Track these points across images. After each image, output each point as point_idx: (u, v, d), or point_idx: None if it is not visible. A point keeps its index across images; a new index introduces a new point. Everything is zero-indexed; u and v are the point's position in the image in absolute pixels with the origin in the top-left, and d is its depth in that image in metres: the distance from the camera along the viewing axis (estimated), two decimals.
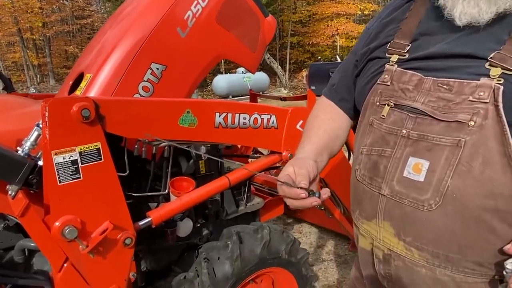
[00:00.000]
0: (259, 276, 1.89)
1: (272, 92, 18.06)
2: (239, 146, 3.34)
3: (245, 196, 2.43)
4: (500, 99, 0.72)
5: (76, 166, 1.29)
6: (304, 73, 20.84)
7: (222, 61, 15.68)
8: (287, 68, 23.93)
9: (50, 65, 26.56)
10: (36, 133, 1.41)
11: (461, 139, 0.76)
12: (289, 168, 0.89)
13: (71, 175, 1.28)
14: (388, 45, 0.94)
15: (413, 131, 0.83)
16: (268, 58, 19.96)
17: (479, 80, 0.76)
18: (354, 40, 22.70)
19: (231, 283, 1.70)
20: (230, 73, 19.38)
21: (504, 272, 0.72)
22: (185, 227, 2.01)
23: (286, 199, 0.88)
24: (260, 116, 1.86)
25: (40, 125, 1.37)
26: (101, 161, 1.34)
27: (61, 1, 27.63)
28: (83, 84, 1.80)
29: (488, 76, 0.75)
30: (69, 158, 1.28)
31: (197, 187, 1.79)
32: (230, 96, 16.37)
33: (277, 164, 2.16)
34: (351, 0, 23.18)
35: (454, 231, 0.79)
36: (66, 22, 28.83)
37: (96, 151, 1.33)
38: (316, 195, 0.84)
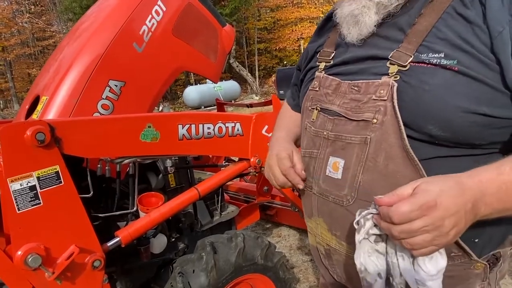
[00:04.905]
0: (237, 285, 1.88)
1: (244, 99, 18.12)
2: (210, 156, 3.34)
3: (219, 206, 2.43)
4: (395, 95, 0.76)
5: (35, 191, 1.26)
6: (274, 78, 21.04)
7: (192, 72, 15.58)
8: (257, 74, 24.10)
9: (13, 89, 25.69)
10: None
11: (367, 136, 0.80)
12: (282, 153, 1.00)
13: (30, 201, 1.25)
14: (318, 54, 1.01)
15: (332, 132, 0.89)
16: (237, 66, 20.05)
17: (380, 79, 0.80)
18: None
19: None
20: (200, 83, 19.30)
21: (355, 225, 0.72)
22: (159, 243, 1.98)
23: (276, 177, 1.01)
24: (225, 125, 1.87)
25: None
26: (61, 184, 1.31)
27: (20, 24, 26.79)
28: (39, 107, 1.76)
29: (388, 74, 0.79)
30: (27, 184, 1.24)
31: (168, 201, 1.78)
32: (202, 107, 16.30)
33: (249, 170, 2.17)
34: (312, 4, 23.66)
35: None
36: (27, 45, 27.94)
37: (55, 175, 1.29)
38: None
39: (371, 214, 0.68)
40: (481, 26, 0.70)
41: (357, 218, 0.71)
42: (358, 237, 0.70)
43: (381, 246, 0.69)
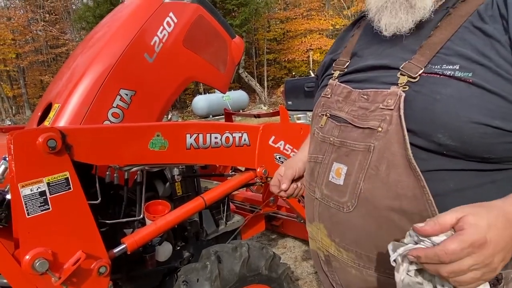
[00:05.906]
0: None
1: (252, 109, 18.19)
2: (217, 165, 3.36)
3: (225, 215, 2.43)
4: (402, 105, 0.76)
5: (45, 197, 1.28)
6: (282, 89, 21.08)
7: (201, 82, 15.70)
8: (265, 85, 24.22)
9: (26, 96, 26.13)
10: (3, 167, 1.39)
11: (371, 144, 0.80)
12: (281, 169, 1.14)
13: (39, 206, 1.27)
14: (334, 62, 1.02)
15: (337, 138, 0.89)
16: (246, 77, 20.19)
17: (389, 89, 0.80)
18: None
19: None
20: (209, 93, 19.44)
21: (393, 263, 0.66)
22: (164, 251, 1.99)
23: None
24: (232, 135, 1.89)
25: (7, 159, 1.36)
26: (70, 190, 1.33)
27: (34, 31, 27.38)
28: (51, 114, 1.80)
29: (397, 84, 0.79)
30: (37, 189, 1.27)
31: (174, 209, 1.79)
32: (211, 116, 16.40)
33: (256, 180, 2.18)
34: (322, 16, 23.87)
35: (369, 231, 0.82)
36: (40, 52, 28.46)
37: (64, 181, 1.32)
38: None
39: (407, 250, 0.63)
40: (500, 40, 0.70)
41: (393, 255, 0.65)
42: (399, 276, 0.65)
43: (420, 278, 0.66)
